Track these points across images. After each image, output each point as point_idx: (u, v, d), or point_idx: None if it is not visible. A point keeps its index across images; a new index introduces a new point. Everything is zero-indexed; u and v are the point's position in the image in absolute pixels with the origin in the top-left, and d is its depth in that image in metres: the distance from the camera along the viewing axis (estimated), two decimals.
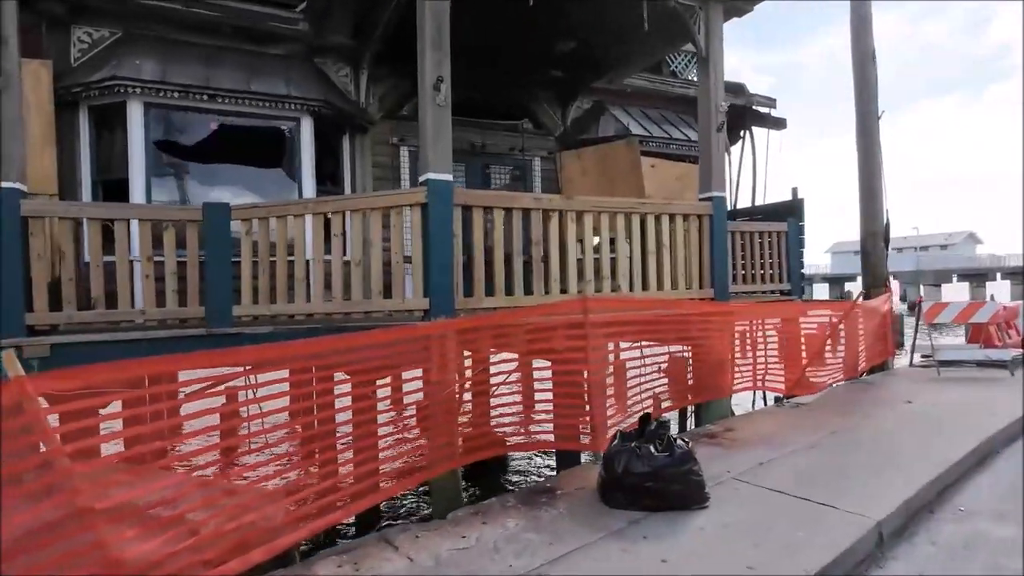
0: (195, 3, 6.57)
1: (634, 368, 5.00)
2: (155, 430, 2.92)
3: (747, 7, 6.56)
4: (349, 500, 3.25)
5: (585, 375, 4.34)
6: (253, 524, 2.86)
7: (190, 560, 2.54)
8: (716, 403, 5.99)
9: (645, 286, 5.76)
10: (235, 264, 4.68)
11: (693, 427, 6.46)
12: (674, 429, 7.36)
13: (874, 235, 8.66)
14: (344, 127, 7.58)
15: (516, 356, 4.81)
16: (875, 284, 8.59)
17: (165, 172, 6.63)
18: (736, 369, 6.03)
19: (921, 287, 31.55)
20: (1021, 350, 7.92)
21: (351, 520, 4.98)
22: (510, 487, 6.40)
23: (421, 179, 4.65)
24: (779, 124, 10.67)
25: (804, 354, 6.50)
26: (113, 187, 6.34)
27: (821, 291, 46.24)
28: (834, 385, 6.83)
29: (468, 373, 4.51)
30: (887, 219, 8.74)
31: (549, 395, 4.51)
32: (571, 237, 5.28)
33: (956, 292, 41.61)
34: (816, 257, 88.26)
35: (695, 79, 8.58)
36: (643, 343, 5.16)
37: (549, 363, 4.57)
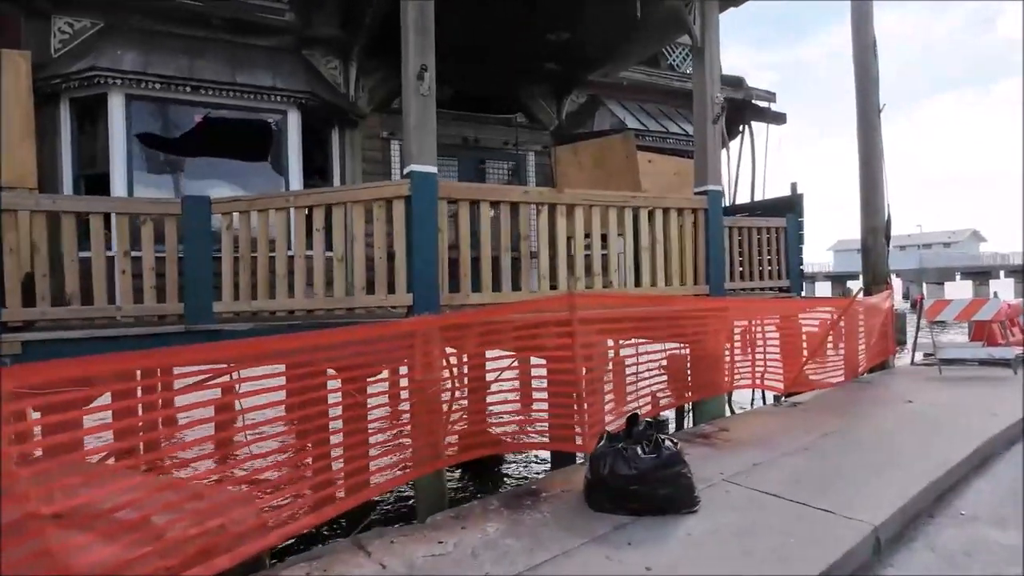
0: None
1: (627, 365, 4.87)
2: (122, 429, 2.82)
3: None
4: (324, 503, 3.13)
5: (574, 373, 4.21)
6: (222, 528, 2.74)
7: (153, 567, 2.41)
8: (711, 401, 5.85)
9: (638, 282, 5.61)
10: (216, 259, 4.55)
11: (690, 426, 6.34)
12: (672, 429, 7.33)
13: (875, 231, 8.51)
14: (333, 120, 7.43)
15: (504, 354, 4.68)
16: (875, 281, 8.43)
17: (148, 166, 6.48)
18: (735, 367, 5.91)
19: (924, 285, 31.34)
20: None
21: (332, 519, 4.84)
22: (511, 480, 6.31)
23: (405, 171, 4.51)
24: (779, 119, 10.51)
25: (803, 352, 6.38)
26: (96, 181, 6.20)
27: (824, 289, 46.05)
28: (833, 384, 6.69)
29: (454, 371, 4.38)
30: (888, 214, 8.60)
31: (542, 394, 4.38)
32: (561, 231, 5.14)
33: (959, 290, 41.34)
34: (818, 255, 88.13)
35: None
36: (634, 340, 5.04)
37: (542, 361, 4.44)
